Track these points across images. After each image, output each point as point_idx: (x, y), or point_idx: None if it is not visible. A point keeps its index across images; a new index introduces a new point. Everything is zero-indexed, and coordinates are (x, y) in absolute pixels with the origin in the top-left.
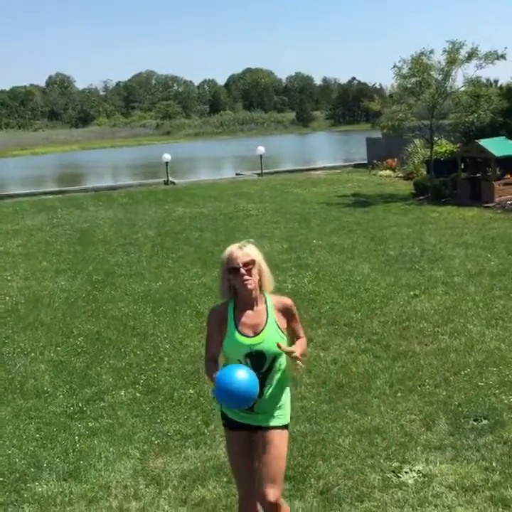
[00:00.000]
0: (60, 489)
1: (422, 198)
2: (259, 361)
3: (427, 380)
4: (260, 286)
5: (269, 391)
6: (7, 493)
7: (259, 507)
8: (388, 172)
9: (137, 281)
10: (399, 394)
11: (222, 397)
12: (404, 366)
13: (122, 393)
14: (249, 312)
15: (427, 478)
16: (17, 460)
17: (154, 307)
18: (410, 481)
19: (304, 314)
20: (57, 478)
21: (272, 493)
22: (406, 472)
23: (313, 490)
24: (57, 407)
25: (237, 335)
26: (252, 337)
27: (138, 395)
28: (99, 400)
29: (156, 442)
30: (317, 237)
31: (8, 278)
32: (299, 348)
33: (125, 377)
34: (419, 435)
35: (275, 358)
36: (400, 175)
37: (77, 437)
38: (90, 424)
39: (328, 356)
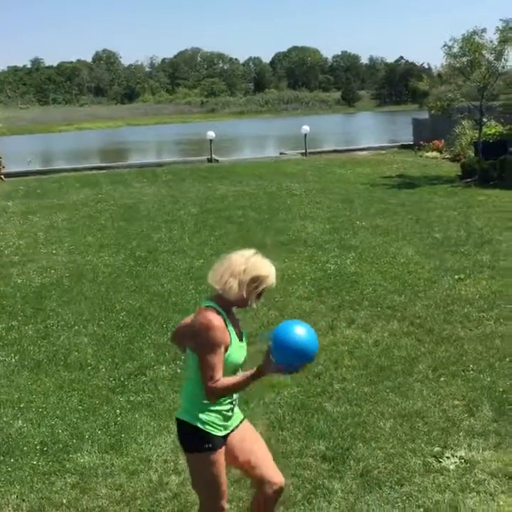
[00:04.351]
0: (102, 461)
1: (469, 180)
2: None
3: (470, 366)
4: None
5: None
6: (50, 463)
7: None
8: (435, 153)
9: (180, 258)
10: (442, 378)
11: (295, 358)
12: (448, 351)
13: (163, 368)
14: (233, 320)
15: (469, 465)
16: (60, 431)
17: (196, 284)
18: (452, 467)
19: (345, 295)
20: (99, 450)
21: (281, 476)
22: (447, 457)
23: (353, 472)
24: (99, 380)
25: (240, 342)
26: (243, 342)
27: (179, 370)
28: (141, 374)
29: None
30: (360, 218)
31: (54, 251)
32: None
33: (166, 353)
34: (461, 421)
35: None
36: (447, 156)
37: (118, 410)
38: (132, 398)
39: (369, 338)
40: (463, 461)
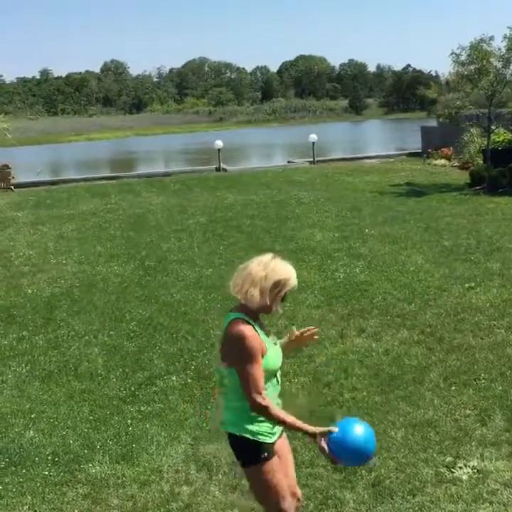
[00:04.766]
0: (113, 471)
1: (478, 188)
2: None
3: (482, 374)
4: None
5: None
6: (62, 474)
7: None
8: (443, 161)
9: (189, 267)
10: (453, 387)
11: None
12: (459, 359)
13: (174, 378)
14: (262, 326)
15: (481, 475)
16: (71, 441)
17: (205, 294)
18: (464, 477)
19: (355, 304)
20: (110, 461)
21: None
22: (460, 467)
23: (365, 482)
24: (110, 390)
25: (274, 346)
26: (277, 345)
27: (189, 380)
28: (151, 384)
29: (207, 428)
30: (369, 226)
31: (64, 262)
32: None
33: (176, 363)
34: (474, 430)
35: None
36: (456, 164)
37: (129, 421)
38: (142, 408)
39: (380, 347)
40: (475, 471)
